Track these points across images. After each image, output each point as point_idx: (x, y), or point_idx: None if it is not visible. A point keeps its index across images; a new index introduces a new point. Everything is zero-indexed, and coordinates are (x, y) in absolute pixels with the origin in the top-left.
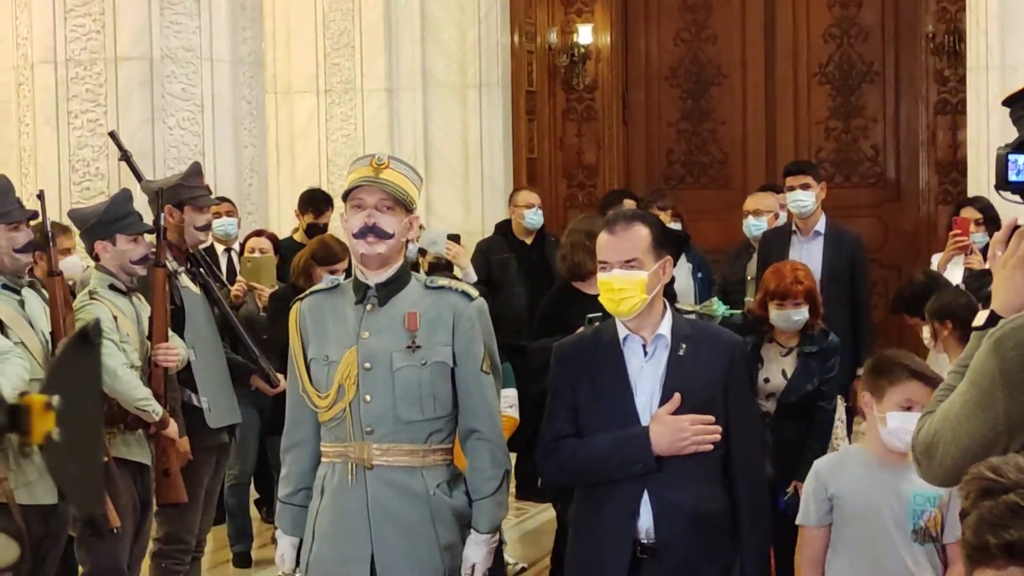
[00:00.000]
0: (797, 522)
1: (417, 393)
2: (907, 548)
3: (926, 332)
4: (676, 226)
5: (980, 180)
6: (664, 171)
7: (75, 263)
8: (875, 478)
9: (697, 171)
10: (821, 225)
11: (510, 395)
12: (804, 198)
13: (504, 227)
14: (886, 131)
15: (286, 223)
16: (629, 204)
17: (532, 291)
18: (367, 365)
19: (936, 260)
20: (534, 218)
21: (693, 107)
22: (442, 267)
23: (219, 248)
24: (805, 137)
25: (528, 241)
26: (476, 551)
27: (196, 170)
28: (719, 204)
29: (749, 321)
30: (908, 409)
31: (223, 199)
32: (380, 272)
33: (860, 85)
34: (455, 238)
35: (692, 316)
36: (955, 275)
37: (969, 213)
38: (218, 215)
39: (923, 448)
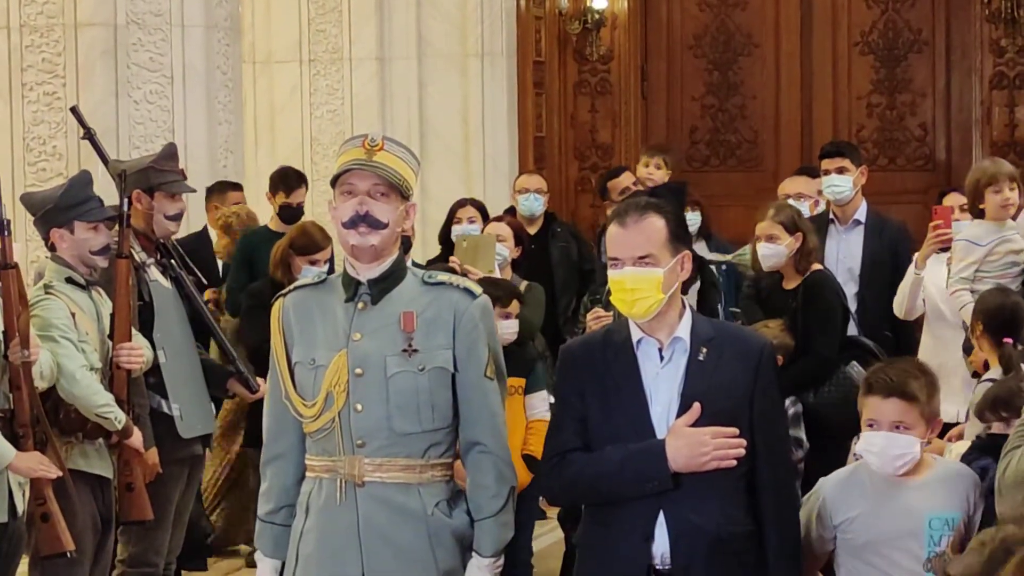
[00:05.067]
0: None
1: (414, 402)
2: None
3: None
4: (694, 216)
5: None
6: (687, 151)
7: None
8: (883, 504)
9: (724, 152)
10: (861, 213)
11: (546, 397)
12: (840, 183)
13: (510, 214)
14: (935, 108)
15: (265, 208)
16: (627, 179)
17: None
18: (358, 370)
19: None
20: (527, 204)
21: (720, 80)
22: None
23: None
24: (845, 114)
25: (531, 231)
26: None
27: (171, 152)
28: (747, 188)
29: None
30: (870, 427)
31: (235, 184)
32: (373, 266)
33: (907, 56)
34: None
35: (722, 266)
36: (938, 274)
37: (954, 200)
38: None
39: (1014, 487)
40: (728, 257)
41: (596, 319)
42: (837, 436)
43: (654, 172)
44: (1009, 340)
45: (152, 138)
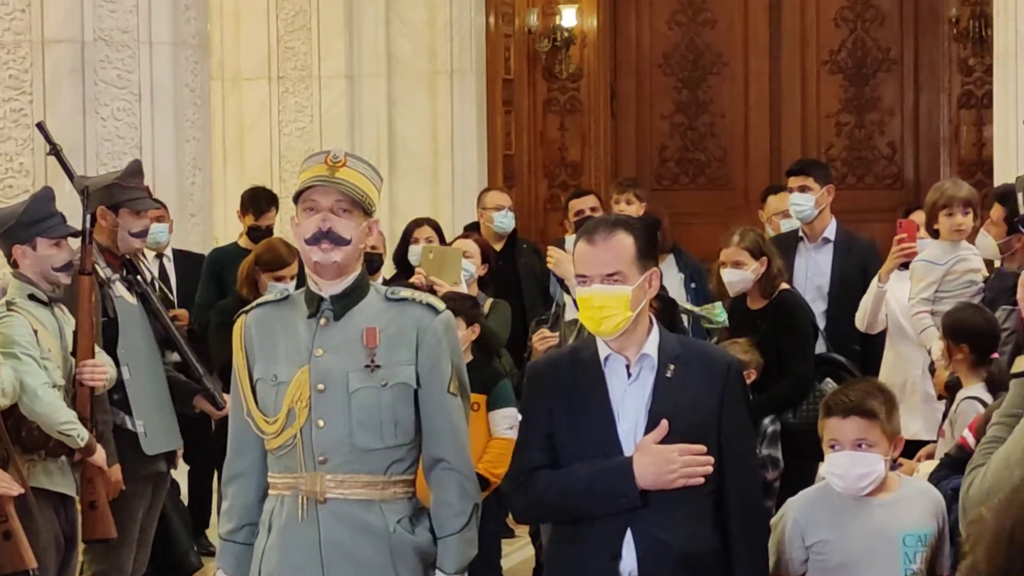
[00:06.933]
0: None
1: (376, 418)
2: None
3: (937, 349)
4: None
5: (1008, 181)
6: (656, 169)
7: None
8: (855, 524)
9: (693, 170)
10: (831, 231)
11: (510, 415)
12: (802, 202)
13: (472, 231)
14: (904, 126)
15: (232, 226)
16: (585, 202)
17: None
18: (320, 386)
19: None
20: (503, 221)
21: (689, 98)
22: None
23: (150, 255)
24: (814, 132)
25: (497, 248)
26: None
27: (136, 169)
28: (717, 206)
29: None
30: (832, 449)
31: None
32: (336, 283)
33: (875, 75)
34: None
35: (686, 317)
36: (900, 289)
37: (920, 217)
38: None
39: (977, 507)
40: (697, 309)
41: (542, 340)
42: (815, 454)
43: (626, 208)
44: (996, 355)
45: (120, 155)
